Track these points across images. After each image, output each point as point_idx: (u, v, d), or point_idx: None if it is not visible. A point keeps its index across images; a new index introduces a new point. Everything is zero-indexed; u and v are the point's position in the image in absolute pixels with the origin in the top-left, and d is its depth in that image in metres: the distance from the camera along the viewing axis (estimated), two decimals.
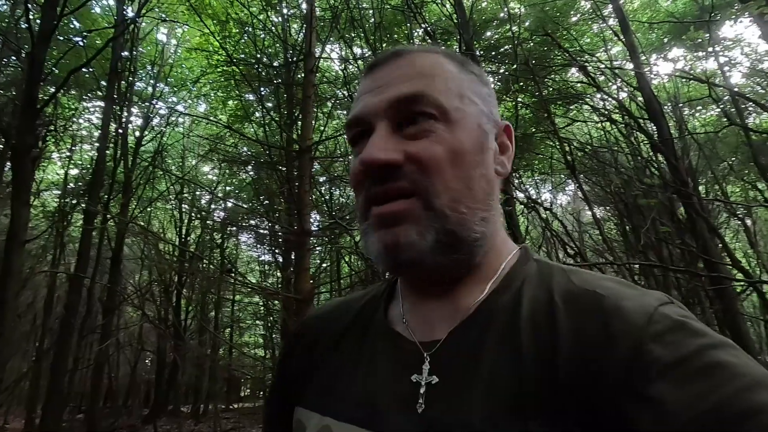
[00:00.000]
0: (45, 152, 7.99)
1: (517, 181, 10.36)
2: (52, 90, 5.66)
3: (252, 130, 8.09)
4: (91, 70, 6.43)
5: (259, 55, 6.98)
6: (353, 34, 6.74)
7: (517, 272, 0.48)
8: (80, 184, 8.24)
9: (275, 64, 7.14)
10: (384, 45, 6.81)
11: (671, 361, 0.35)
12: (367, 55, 7.13)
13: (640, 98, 4.64)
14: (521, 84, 5.76)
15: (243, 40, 7.46)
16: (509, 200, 3.78)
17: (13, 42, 5.32)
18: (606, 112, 5.75)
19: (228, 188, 10.99)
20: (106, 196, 6.85)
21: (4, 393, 8.67)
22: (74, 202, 7.46)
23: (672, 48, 8.46)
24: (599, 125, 6.80)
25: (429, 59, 0.50)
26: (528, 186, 10.64)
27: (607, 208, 9.22)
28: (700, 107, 8.91)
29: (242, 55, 7.61)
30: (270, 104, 7.65)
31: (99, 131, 7.07)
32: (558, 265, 0.49)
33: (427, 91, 0.47)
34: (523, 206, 3.37)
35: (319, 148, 5.47)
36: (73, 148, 9.22)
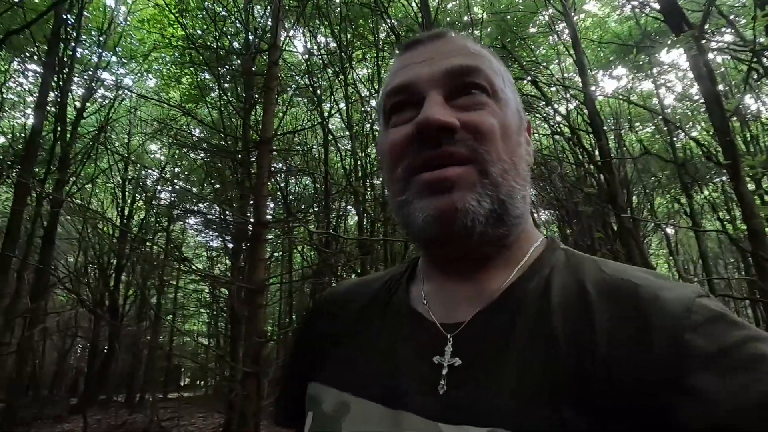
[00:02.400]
0: None
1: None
2: None
3: (206, 111, 7.78)
4: (28, 31, 5.90)
5: (218, 34, 6.71)
6: (318, 22, 6.65)
7: (545, 259, 0.48)
8: (9, 154, 7.55)
9: (235, 45, 6.90)
10: (349, 36, 6.80)
11: (713, 351, 0.35)
12: (331, 45, 7.08)
13: (587, 111, 5.03)
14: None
15: (201, 16, 7.14)
16: None
17: None
18: (554, 124, 6.14)
19: (176, 170, 10.50)
20: (41, 171, 6.34)
21: None
22: (6, 174, 6.84)
23: (617, 66, 9.11)
24: (549, 135, 7.23)
25: (472, 43, 0.52)
26: None
27: (552, 212, 9.81)
28: (637, 123, 9.69)
29: (199, 32, 7.28)
30: (227, 86, 7.39)
31: (33, 98, 6.50)
32: (587, 255, 0.49)
33: (480, 65, 0.48)
34: None
35: (276, 139, 5.39)
36: (1, 114, 8.41)
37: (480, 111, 0.46)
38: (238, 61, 6.57)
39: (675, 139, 7.45)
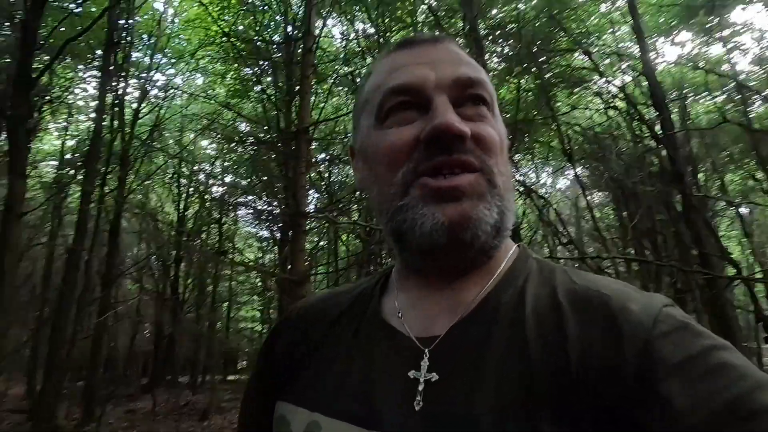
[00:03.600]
0: (41, 123, 7.89)
1: (515, 165, 10.32)
2: (48, 59, 5.55)
3: (251, 105, 7.98)
4: (87, 39, 6.28)
5: (258, 29, 6.82)
6: (355, 8, 6.57)
7: (518, 269, 0.48)
8: (77, 155, 8.18)
9: (276, 38, 6.99)
10: (386, 21, 6.66)
11: (679, 360, 0.36)
12: (369, 32, 6.98)
13: (646, 83, 4.59)
14: (524, 66, 5.66)
15: (242, 12, 7.27)
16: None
17: (6, 8, 5.16)
18: (608, 98, 5.69)
19: (226, 164, 10.92)
20: (104, 170, 6.80)
21: (5, 360, 8.84)
22: (71, 173, 7.42)
23: (681, 31, 8.30)
24: (602, 111, 6.73)
25: (466, 54, 0.51)
26: (528, 170, 10.60)
27: (606, 194, 9.22)
28: (705, 93, 8.81)
29: (241, 28, 7.44)
30: (269, 79, 7.52)
31: (95, 102, 6.96)
32: (557, 265, 0.50)
33: (484, 80, 0.48)
34: (518, 192, 3.37)
35: (319, 127, 5.40)
36: (70, 119, 9.11)
37: (484, 123, 0.46)
38: (278, 54, 6.66)
39: (750, 107, 6.68)
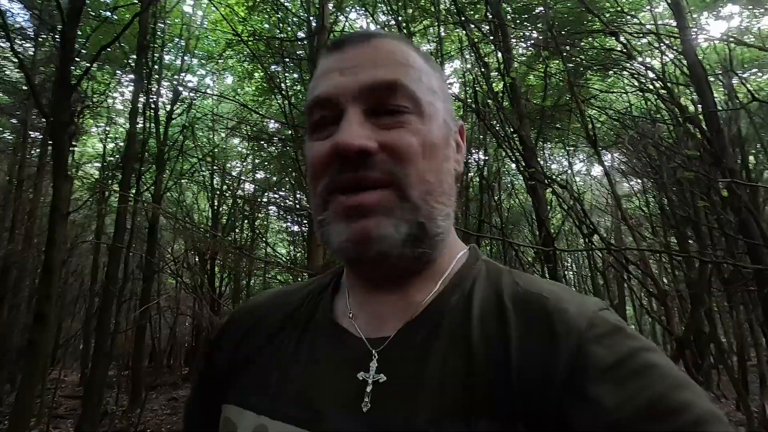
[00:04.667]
0: (82, 127, 8.33)
1: (548, 152, 9.98)
2: (87, 66, 5.84)
3: (277, 102, 8.11)
4: (121, 45, 6.56)
5: (282, 25, 6.89)
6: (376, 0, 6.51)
7: (467, 272, 0.49)
8: (117, 156, 8.60)
9: (300, 35, 7.05)
10: (409, 11, 6.57)
11: (610, 362, 0.37)
12: (391, 23, 6.91)
13: (686, 61, 4.29)
14: (552, 49, 5.43)
15: (266, 10, 7.37)
16: (533, 174, 3.66)
17: (47, 20, 5.47)
18: (644, 80, 5.38)
19: (256, 161, 11.17)
20: (139, 169, 7.12)
21: (60, 350, 9.50)
22: (112, 174, 7.82)
23: (726, 4, 7.71)
24: (640, 93, 6.37)
25: (401, 48, 0.49)
26: (559, 158, 10.25)
27: (644, 180, 8.78)
28: (754, 70, 8.18)
29: (266, 26, 7.55)
30: (295, 75, 7.61)
31: (131, 105, 7.27)
32: (504, 267, 0.50)
33: (404, 80, 0.45)
34: (538, 182, 3.25)
35: None
36: (109, 122, 9.57)
37: (400, 130, 0.44)
38: (302, 52, 6.72)
39: None
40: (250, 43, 6.41)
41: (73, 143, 7.26)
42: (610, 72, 7.14)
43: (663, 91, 4.45)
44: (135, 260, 8.08)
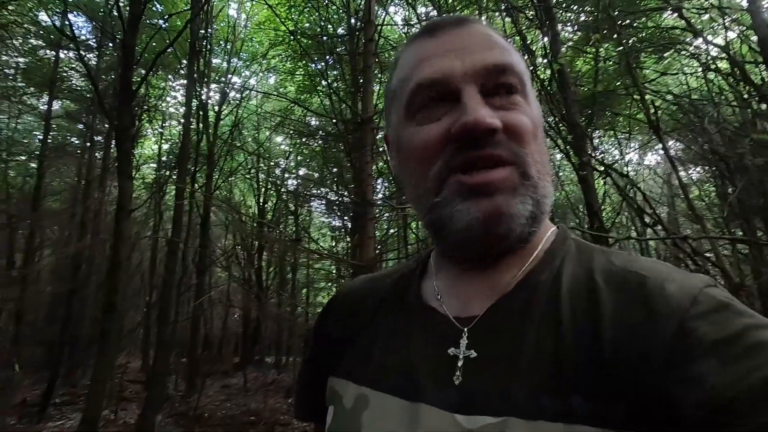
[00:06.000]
0: (141, 130, 8.88)
1: (597, 140, 9.53)
2: (144, 72, 6.21)
3: (319, 100, 8.26)
4: (174, 51, 6.92)
5: (323, 23, 7.00)
6: None
7: (556, 251, 0.49)
8: (171, 157, 9.10)
9: (340, 31, 7.13)
10: (450, 2, 6.46)
11: (717, 339, 0.36)
12: (431, 15, 6.83)
13: (756, 36, 3.96)
14: (604, 31, 5.17)
15: (307, 8, 7.51)
16: (584, 164, 3.52)
17: (109, 30, 5.86)
18: (706, 60, 5.00)
19: (299, 158, 11.45)
20: (193, 168, 7.51)
21: (125, 339, 10.24)
22: (167, 174, 8.30)
23: None
24: (700, 74, 5.93)
25: (494, 33, 0.50)
26: (610, 146, 9.76)
27: (706, 168, 8.20)
28: None
29: (307, 24, 7.69)
30: (335, 72, 7.72)
31: (183, 108, 7.67)
32: (596, 246, 0.50)
33: (514, 63, 0.47)
34: (593, 170, 3.12)
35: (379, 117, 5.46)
36: (164, 124, 10.13)
37: (515, 111, 0.45)
38: (343, 47, 6.80)
39: None
40: (293, 41, 6.56)
41: (134, 145, 7.75)
42: (666, 54, 6.70)
43: (729, 70, 4.13)
44: (190, 254, 8.53)
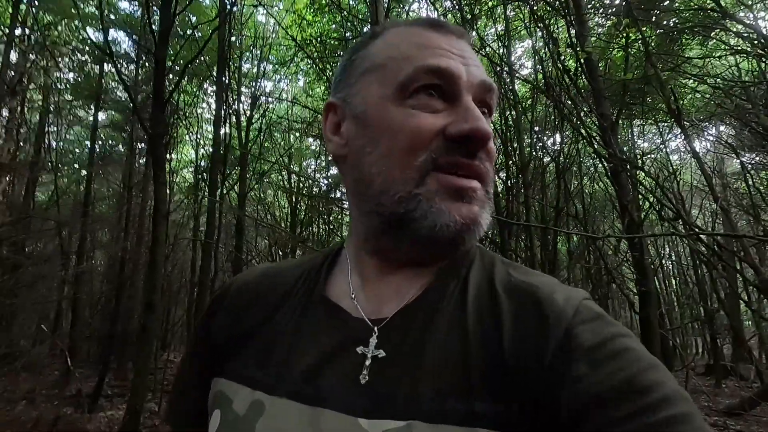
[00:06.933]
0: (176, 136, 9.31)
1: (636, 130, 9.04)
2: (176, 81, 6.51)
3: None
4: (204, 59, 7.20)
5: (347, 24, 7.06)
6: None
7: (463, 257, 0.50)
8: (207, 161, 9.49)
9: (365, 32, 7.16)
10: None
11: (592, 344, 0.39)
12: (454, 8, 6.71)
13: None
14: (634, 16, 4.89)
15: (330, 12, 7.59)
16: (610, 157, 3.35)
17: (143, 43, 6.18)
18: (756, 39, 4.61)
19: (329, 158, 11.61)
20: (225, 172, 7.79)
21: (168, 335, 10.80)
22: (203, 178, 8.67)
23: None
24: (745, 56, 5.49)
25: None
26: (651, 135, 9.24)
27: (755, 155, 7.60)
28: None
29: (333, 26, 7.78)
30: None
31: (215, 113, 7.96)
32: (497, 256, 0.52)
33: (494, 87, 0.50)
34: (617, 165, 2.95)
35: None
36: (199, 130, 10.57)
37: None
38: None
39: None
40: (316, 46, 6.66)
41: (170, 151, 8.15)
42: (713, 34, 6.25)
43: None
44: (225, 255, 8.87)
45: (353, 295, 0.49)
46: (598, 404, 0.36)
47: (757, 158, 7.17)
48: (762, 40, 4.16)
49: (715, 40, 6.57)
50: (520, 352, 0.40)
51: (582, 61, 4.17)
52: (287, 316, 0.50)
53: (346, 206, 12.81)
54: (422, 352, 0.42)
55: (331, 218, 11.91)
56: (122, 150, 10.67)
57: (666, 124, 7.84)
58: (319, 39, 6.21)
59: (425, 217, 0.44)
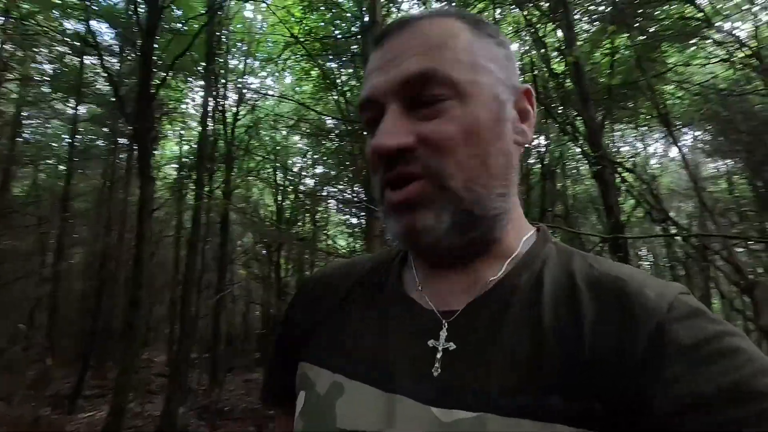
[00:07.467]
0: (162, 132, 9.15)
1: (617, 134, 9.27)
2: (163, 76, 6.38)
3: (333, 98, 8.30)
4: (191, 54, 7.07)
5: (337, 22, 7.04)
6: None
7: (536, 253, 0.49)
8: (192, 157, 9.34)
9: (354, 29, 7.14)
10: None
11: (690, 343, 0.37)
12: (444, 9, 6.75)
13: None
14: (620, 22, 5.02)
15: (321, 8, 7.54)
16: (597, 158, 3.45)
17: (129, 37, 6.04)
18: (733, 47, 4.79)
19: (315, 156, 11.54)
20: (212, 168, 7.68)
21: (151, 333, 10.60)
22: (188, 174, 8.53)
23: None
24: (725, 63, 5.69)
25: (439, 26, 0.47)
26: (632, 139, 9.48)
27: (735, 160, 7.89)
28: None
29: (322, 23, 7.73)
30: (350, 71, 7.74)
31: (201, 109, 7.84)
32: (575, 250, 0.50)
33: (437, 66, 0.44)
34: (603, 166, 3.05)
35: None
36: (184, 126, 10.38)
37: (437, 120, 0.45)
38: (356, 46, 6.81)
39: None
40: (306, 43, 6.62)
41: (154, 147, 7.99)
42: (692, 42, 6.45)
43: (753, 59, 3.96)
44: (210, 252, 8.75)
45: (419, 288, 0.50)
46: (699, 407, 0.34)
47: (732, 163, 7.44)
48: (741, 49, 4.33)
49: (694, 48, 6.80)
50: (603, 349, 0.39)
51: (570, 65, 4.27)
52: (361, 305, 0.53)
53: (331, 204, 12.79)
54: (493, 347, 0.42)
55: (317, 216, 11.86)
56: (102, 145, 10.41)
57: (647, 129, 8.07)
58: (311, 34, 6.15)
59: (389, 230, 0.47)
